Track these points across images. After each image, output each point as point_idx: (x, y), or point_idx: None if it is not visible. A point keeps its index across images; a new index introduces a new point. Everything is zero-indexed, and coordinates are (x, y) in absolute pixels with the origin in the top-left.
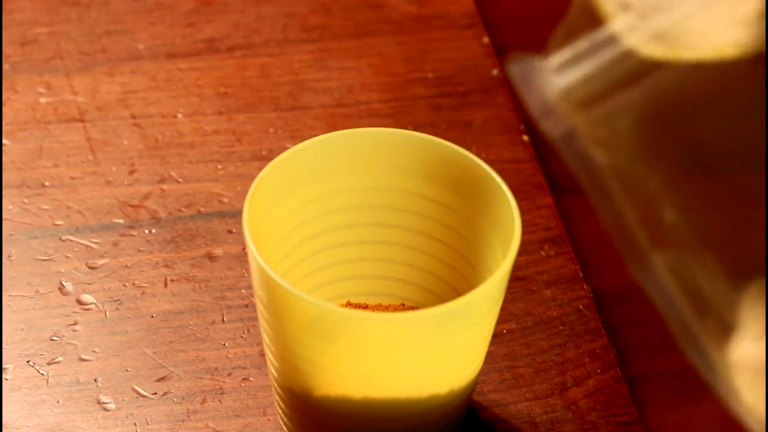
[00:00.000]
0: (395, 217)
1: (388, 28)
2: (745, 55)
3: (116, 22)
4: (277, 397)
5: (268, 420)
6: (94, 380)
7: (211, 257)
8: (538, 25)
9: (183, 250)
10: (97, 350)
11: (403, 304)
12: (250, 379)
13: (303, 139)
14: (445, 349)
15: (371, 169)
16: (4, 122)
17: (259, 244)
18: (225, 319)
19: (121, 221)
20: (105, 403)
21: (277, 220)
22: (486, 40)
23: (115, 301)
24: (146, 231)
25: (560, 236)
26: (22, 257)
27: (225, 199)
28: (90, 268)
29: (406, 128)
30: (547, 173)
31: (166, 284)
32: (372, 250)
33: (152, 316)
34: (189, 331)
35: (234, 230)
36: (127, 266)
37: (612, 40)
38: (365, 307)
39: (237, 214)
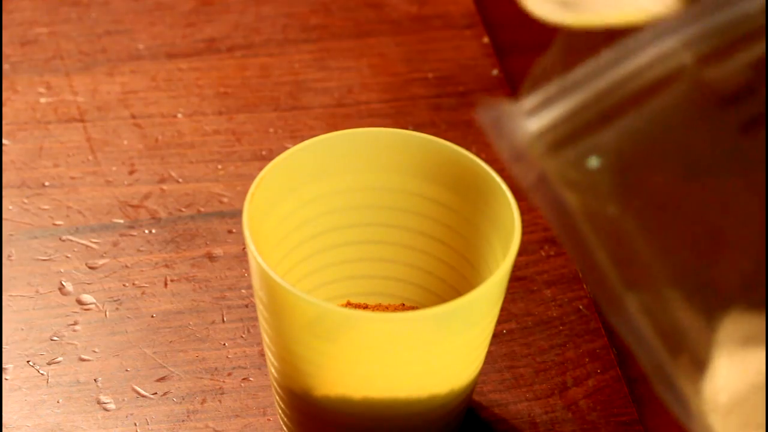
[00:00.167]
0: (395, 217)
1: (388, 28)
2: (651, 21)
3: (116, 22)
4: (277, 397)
5: (268, 420)
6: (94, 380)
7: (211, 257)
8: (538, 25)
9: (183, 250)
10: (97, 350)
11: (403, 304)
12: (250, 379)
13: (303, 139)
14: (445, 349)
15: (371, 169)
16: (4, 122)
17: (259, 244)
18: (225, 319)
19: (121, 221)
20: (105, 403)
21: (277, 220)
22: (486, 40)
23: (115, 301)
24: (146, 231)
25: None
26: (22, 257)
27: (225, 199)
28: (90, 268)
29: (406, 128)
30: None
31: (166, 284)
32: (372, 250)
33: (152, 316)
34: (189, 331)
35: (234, 230)
36: (127, 266)
37: (581, 83)
38: (365, 307)
39: (237, 214)
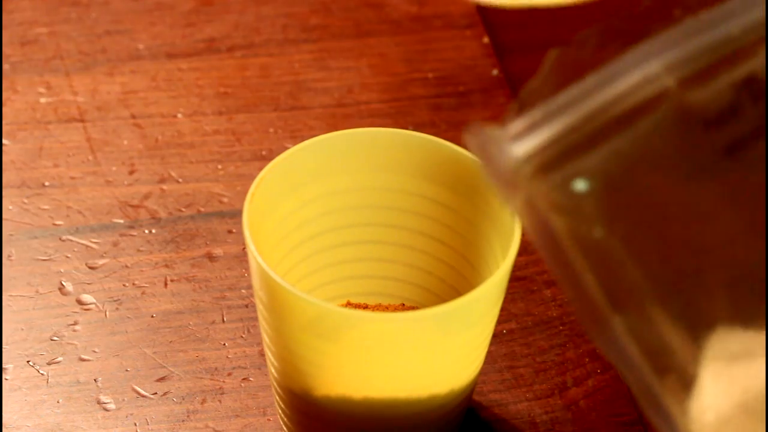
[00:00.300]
0: (395, 217)
1: (388, 28)
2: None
3: (116, 22)
4: (277, 397)
5: (268, 420)
6: (94, 380)
7: (211, 257)
8: (538, 25)
9: (183, 250)
10: (97, 350)
11: (403, 304)
12: (250, 379)
13: (303, 139)
14: (445, 349)
15: (371, 169)
16: (4, 122)
17: (259, 244)
18: (225, 319)
19: (121, 221)
20: (105, 403)
21: (277, 220)
22: (486, 40)
23: (115, 301)
24: (146, 231)
25: None
26: (22, 257)
27: (225, 199)
28: (90, 268)
29: (406, 128)
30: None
31: (166, 284)
32: (372, 250)
33: (152, 316)
34: (189, 331)
35: (234, 230)
36: (127, 266)
37: (567, 107)
38: (365, 307)
39: (237, 214)
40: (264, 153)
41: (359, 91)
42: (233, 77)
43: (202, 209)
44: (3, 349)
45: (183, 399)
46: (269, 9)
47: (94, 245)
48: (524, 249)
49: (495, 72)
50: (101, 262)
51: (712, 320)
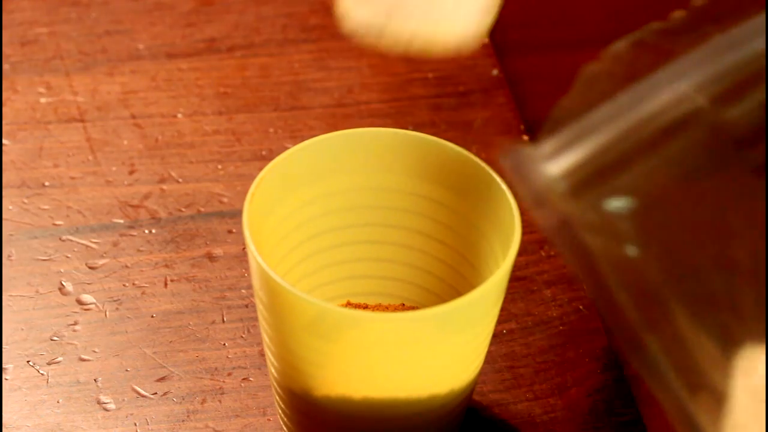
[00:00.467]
0: (395, 217)
1: None
2: (472, 47)
3: (116, 22)
4: (277, 397)
5: (268, 420)
6: (94, 380)
7: (211, 257)
8: (538, 25)
9: (183, 250)
10: (97, 350)
11: (403, 304)
12: (250, 379)
13: (303, 139)
14: (445, 349)
15: (371, 169)
16: (4, 122)
17: (259, 244)
18: (225, 319)
19: (121, 221)
20: (105, 403)
21: (277, 220)
22: (486, 40)
23: (115, 301)
24: (146, 231)
25: None
26: (22, 257)
27: (225, 199)
28: (90, 268)
29: (406, 128)
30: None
31: (166, 284)
32: (372, 250)
33: (152, 316)
34: (189, 331)
35: (234, 230)
36: (127, 266)
37: (600, 126)
38: (365, 307)
39: (237, 214)
40: (264, 153)
41: (359, 91)
42: (233, 77)
43: (202, 209)
44: (3, 349)
45: (183, 399)
46: (269, 9)
47: (94, 245)
48: (524, 249)
49: (495, 72)
50: (101, 262)
51: (743, 338)
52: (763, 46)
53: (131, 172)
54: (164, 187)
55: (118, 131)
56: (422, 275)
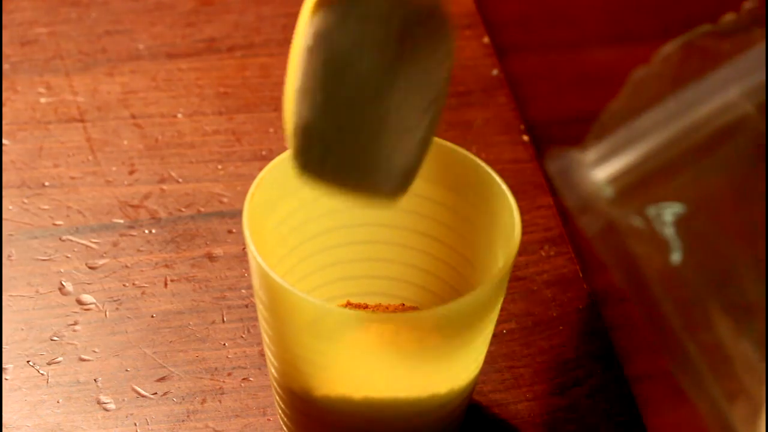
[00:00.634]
0: (395, 217)
1: None
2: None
3: (116, 22)
4: (277, 397)
5: (268, 420)
6: (94, 380)
7: (211, 257)
8: (538, 25)
9: (183, 250)
10: (97, 350)
11: (403, 304)
12: (250, 379)
13: None
14: (445, 349)
15: None
16: (4, 122)
17: (259, 244)
18: (225, 319)
19: (121, 221)
20: (105, 403)
21: (277, 220)
22: (486, 40)
23: (115, 301)
24: (146, 231)
25: (560, 236)
26: (22, 257)
27: (225, 199)
28: (90, 268)
29: None
30: (547, 173)
31: (166, 284)
32: (372, 250)
33: (152, 316)
34: (189, 331)
35: (234, 230)
36: (127, 266)
37: (647, 132)
38: (365, 307)
39: (237, 214)
40: (264, 153)
41: None
42: (233, 77)
43: (202, 209)
44: (3, 349)
45: (183, 399)
46: (269, 9)
47: (94, 245)
48: (524, 249)
49: (495, 72)
50: (101, 262)
51: None
52: None
53: (131, 172)
54: (164, 187)
55: (118, 131)
56: (422, 275)
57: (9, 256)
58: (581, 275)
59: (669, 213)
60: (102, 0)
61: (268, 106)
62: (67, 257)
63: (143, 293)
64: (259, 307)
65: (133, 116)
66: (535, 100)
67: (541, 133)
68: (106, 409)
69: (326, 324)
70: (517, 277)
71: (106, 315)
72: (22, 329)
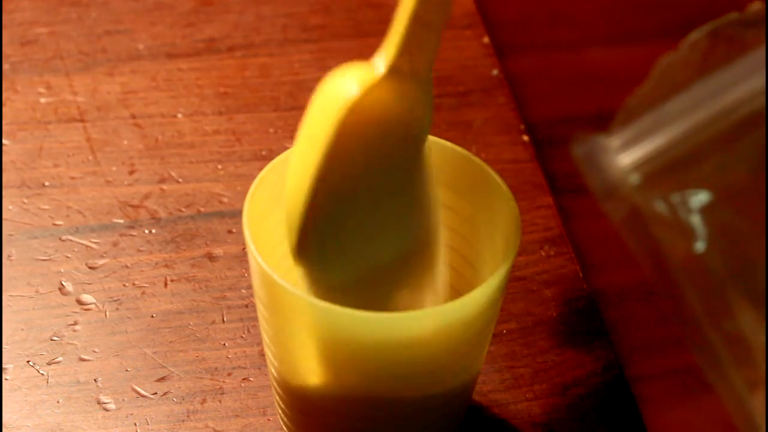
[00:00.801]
0: None
1: (388, 28)
2: None
3: (116, 22)
4: (277, 397)
5: (268, 420)
6: (94, 380)
7: (211, 257)
8: (538, 25)
9: (183, 250)
10: (97, 350)
11: None
12: (250, 379)
13: None
14: (445, 349)
15: None
16: (4, 122)
17: (259, 244)
18: (225, 319)
19: (121, 221)
20: (105, 403)
21: (277, 220)
22: (486, 40)
23: (115, 301)
24: (146, 231)
25: (560, 236)
26: (22, 257)
27: (225, 199)
28: (90, 268)
29: None
30: (547, 173)
31: (166, 284)
32: None
33: (152, 316)
34: (189, 331)
35: (234, 230)
36: (127, 266)
37: (674, 117)
38: None
39: (237, 214)
40: (264, 153)
41: None
42: (233, 77)
43: (202, 209)
44: (3, 349)
45: (183, 399)
46: (269, 9)
47: (94, 245)
48: (524, 249)
49: (495, 72)
50: (101, 262)
51: None
52: None
53: (131, 172)
54: (164, 187)
55: (118, 131)
56: None
57: (9, 256)
58: (581, 275)
59: (694, 200)
60: (102, 0)
61: (268, 106)
62: (67, 257)
63: (143, 293)
64: (259, 307)
65: (133, 116)
66: (535, 100)
67: (541, 133)
68: (106, 409)
69: (326, 324)
70: (517, 277)
71: (106, 315)
72: (22, 329)
